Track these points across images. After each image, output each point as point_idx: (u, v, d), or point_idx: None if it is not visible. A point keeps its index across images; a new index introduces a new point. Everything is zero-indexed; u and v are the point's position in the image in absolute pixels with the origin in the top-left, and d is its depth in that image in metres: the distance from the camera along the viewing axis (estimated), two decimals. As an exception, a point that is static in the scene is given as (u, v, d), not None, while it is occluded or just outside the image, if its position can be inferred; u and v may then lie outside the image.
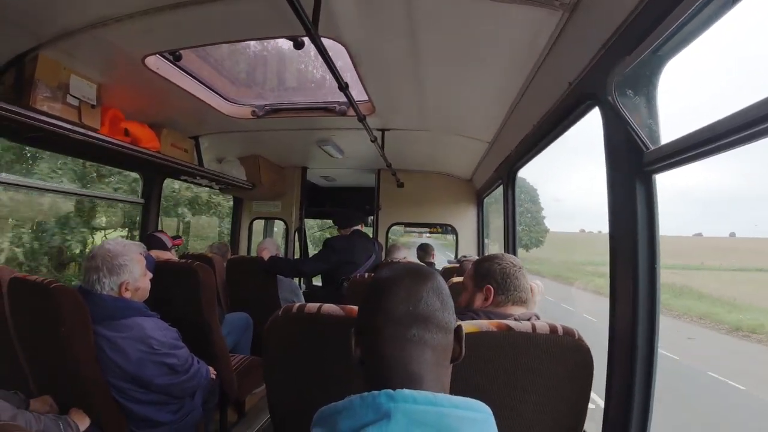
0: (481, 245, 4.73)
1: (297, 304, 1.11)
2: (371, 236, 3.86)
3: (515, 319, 1.17)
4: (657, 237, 1.21)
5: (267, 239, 4.17)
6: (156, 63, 2.22)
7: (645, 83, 1.26)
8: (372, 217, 4.98)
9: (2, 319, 1.86)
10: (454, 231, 4.87)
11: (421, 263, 0.93)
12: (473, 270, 1.56)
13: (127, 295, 1.82)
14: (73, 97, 2.20)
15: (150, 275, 1.96)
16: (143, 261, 1.92)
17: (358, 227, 3.73)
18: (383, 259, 3.90)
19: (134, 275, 1.84)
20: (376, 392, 0.67)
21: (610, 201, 1.35)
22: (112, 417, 1.76)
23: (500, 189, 3.33)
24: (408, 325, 0.73)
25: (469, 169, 4.32)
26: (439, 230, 5.02)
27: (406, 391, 0.66)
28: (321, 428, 0.69)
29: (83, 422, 1.68)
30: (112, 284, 1.78)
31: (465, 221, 4.83)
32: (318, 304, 1.09)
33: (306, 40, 1.75)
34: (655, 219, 1.21)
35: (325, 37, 1.63)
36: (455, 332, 0.79)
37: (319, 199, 5.78)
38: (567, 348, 1.00)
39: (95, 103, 2.34)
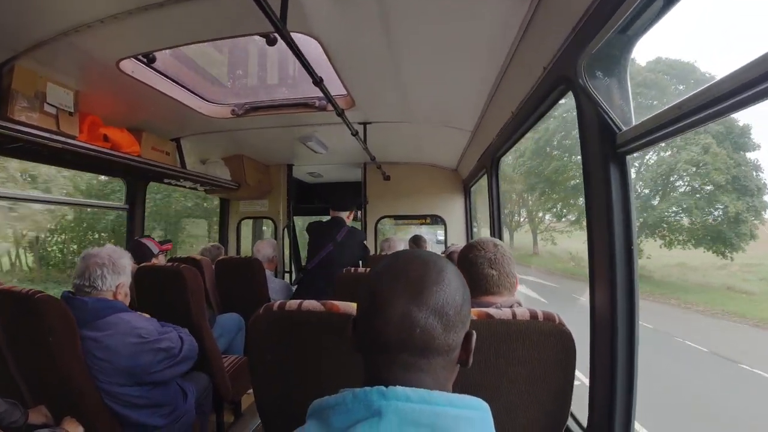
0: (469, 234, 4.75)
1: (278, 302, 1.11)
2: (356, 229, 3.77)
3: (497, 307, 1.17)
4: (632, 217, 1.22)
5: (263, 240, 4.15)
6: (131, 66, 2.20)
7: (615, 64, 1.27)
8: (360, 212, 4.97)
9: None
10: (442, 221, 4.88)
11: (435, 254, 0.83)
12: (458, 259, 1.57)
13: (120, 297, 1.87)
14: (51, 105, 2.18)
15: None
16: (130, 275, 1.99)
17: (344, 215, 3.66)
18: (377, 253, 3.89)
19: (128, 280, 1.93)
20: (368, 388, 0.65)
21: (585, 183, 1.36)
22: (105, 424, 1.77)
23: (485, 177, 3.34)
24: (399, 352, 0.67)
25: (454, 159, 4.32)
26: (428, 221, 5.02)
27: (399, 388, 0.63)
28: (314, 422, 0.68)
29: (76, 431, 1.69)
30: (113, 282, 1.84)
31: (453, 211, 4.83)
32: (299, 301, 1.08)
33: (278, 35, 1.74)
34: (629, 199, 1.22)
35: (295, 32, 1.61)
36: (464, 342, 0.73)
37: (307, 196, 5.76)
38: (549, 333, 1.00)
39: (73, 111, 2.31)
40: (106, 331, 1.76)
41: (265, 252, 3.86)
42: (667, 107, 1.01)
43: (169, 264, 2.59)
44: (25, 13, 1.64)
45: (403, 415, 0.62)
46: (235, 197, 4.91)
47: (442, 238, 5.24)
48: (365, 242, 3.89)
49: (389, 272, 0.72)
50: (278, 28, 1.38)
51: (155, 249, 3.00)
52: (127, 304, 1.94)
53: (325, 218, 3.67)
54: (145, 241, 3.03)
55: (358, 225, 5.07)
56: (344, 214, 3.63)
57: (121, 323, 1.79)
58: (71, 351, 1.68)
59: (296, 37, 1.58)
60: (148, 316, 1.97)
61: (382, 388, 0.64)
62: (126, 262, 1.91)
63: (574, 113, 1.41)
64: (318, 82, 1.88)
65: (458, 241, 4.48)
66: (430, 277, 0.70)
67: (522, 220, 29.58)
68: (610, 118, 1.21)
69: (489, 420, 0.68)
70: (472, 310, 1.03)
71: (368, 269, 1.90)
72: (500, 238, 3.02)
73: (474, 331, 0.74)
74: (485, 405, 0.69)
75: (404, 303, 0.67)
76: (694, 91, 0.91)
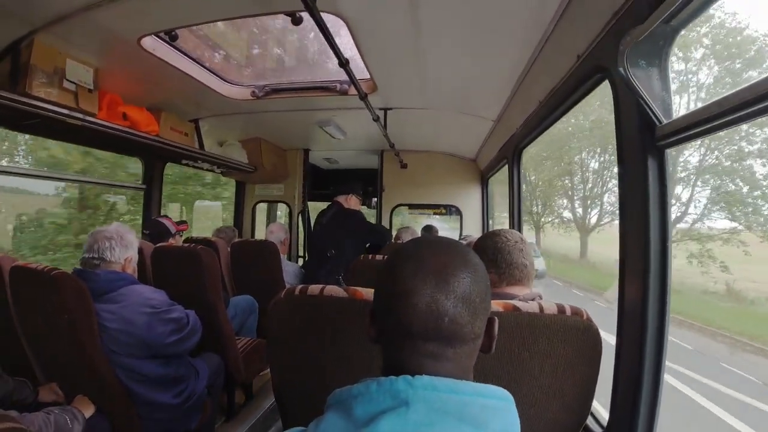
0: (485, 226, 4.70)
1: (299, 286, 1.10)
2: (369, 220, 3.69)
3: (521, 300, 1.14)
4: (668, 213, 1.18)
5: (275, 223, 4.17)
6: (152, 44, 2.18)
7: (657, 54, 1.21)
8: (376, 199, 4.95)
9: (5, 307, 1.87)
10: (458, 212, 4.84)
11: (456, 240, 0.80)
12: (473, 247, 1.54)
13: (129, 270, 1.92)
14: (70, 81, 2.17)
15: None
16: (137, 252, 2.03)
17: (342, 200, 3.61)
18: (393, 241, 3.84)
19: (136, 256, 1.97)
20: (393, 377, 0.63)
21: (620, 176, 1.31)
22: (118, 402, 1.79)
23: (505, 168, 3.28)
24: (426, 340, 0.65)
25: (473, 149, 4.26)
26: (444, 211, 4.98)
27: (425, 377, 0.62)
28: (336, 412, 0.66)
29: (88, 410, 1.72)
30: (121, 255, 1.88)
31: (469, 202, 4.79)
32: (321, 286, 1.07)
33: (304, 15, 1.70)
34: (666, 194, 1.17)
35: (324, 11, 1.57)
36: (487, 328, 0.70)
37: (322, 182, 5.75)
38: (576, 328, 0.97)
39: (92, 88, 2.31)
40: (120, 303, 1.79)
41: (278, 235, 3.89)
42: (710, 101, 0.96)
43: (186, 245, 2.60)
44: None
45: (430, 404, 0.60)
46: (251, 180, 4.93)
47: (448, 227, 5.21)
48: (377, 228, 3.81)
49: (412, 259, 0.69)
50: (308, 6, 1.34)
51: (173, 229, 3.02)
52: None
53: None
54: (163, 220, 3.05)
55: (372, 212, 5.06)
56: (342, 198, 3.61)
57: (133, 294, 1.83)
58: (87, 327, 1.69)
59: (324, 16, 1.54)
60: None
61: (408, 377, 0.62)
62: (132, 237, 1.95)
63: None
64: (344, 63, 1.85)
65: (474, 233, 4.44)
66: (456, 263, 0.67)
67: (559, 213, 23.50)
68: (651, 110, 1.16)
69: (513, 410, 0.67)
70: (498, 301, 1.01)
71: (384, 256, 1.87)
72: (520, 231, 2.98)
73: (496, 317, 0.72)
74: (510, 395, 0.67)
75: (431, 291, 0.64)
76: (739, 87, 0.87)
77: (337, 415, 0.65)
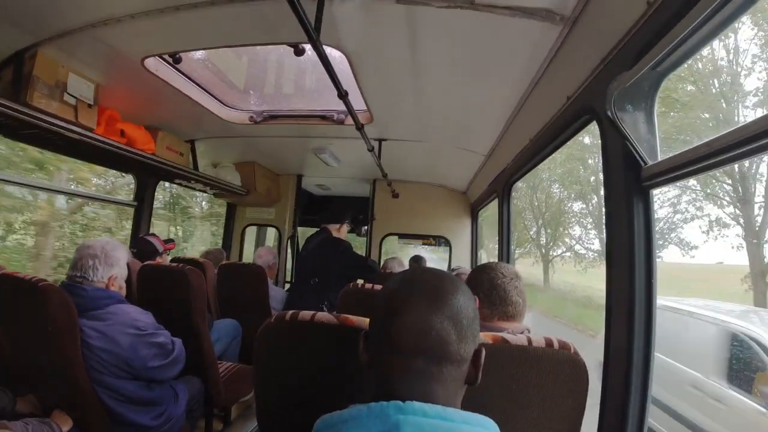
0: (474, 258, 4.72)
1: (290, 312, 1.09)
2: (357, 251, 3.59)
3: (509, 333, 1.15)
4: (653, 252, 1.21)
5: (264, 247, 4.16)
6: (155, 65, 2.22)
7: (643, 98, 1.27)
8: (366, 227, 4.96)
9: (-12, 316, 1.83)
10: (447, 243, 4.86)
11: (447, 272, 0.85)
12: (467, 279, 1.55)
13: (113, 288, 1.87)
14: (71, 95, 2.20)
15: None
16: (126, 267, 1.99)
17: (333, 228, 3.51)
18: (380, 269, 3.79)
19: (122, 273, 1.92)
20: (384, 402, 0.64)
21: (607, 215, 1.35)
22: (96, 419, 1.74)
23: (495, 202, 3.33)
24: (414, 355, 0.68)
25: (464, 182, 4.33)
26: (433, 242, 5.00)
27: (416, 403, 0.64)
28: None
29: (66, 424, 1.68)
30: (104, 274, 1.84)
31: (459, 233, 4.82)
32: (312, 312, 1.07)
33: (306, 46, 1.76)
34: (651, 233, 1.21)
35: (326, 44, 1.63)
36: (473, 357, 0.74)
37: (314, 208, 5.76)
38: (563, 362, 0.98)
39: (92, 103, 2.34)
40: (106, 321, 1.76)
41: (266, 259, 3.86)
42: (696, 144, 1.01)
43: (174, 264, 2.58)
44: (53, 0, 1.65)
45: (419, 429, 0.61)
46: (243, 203, 4.92)
47: (436, 257, 5.21)
48: (365, 263, 3.64)
49: (406, 282, 0.75)
50: (312, 39, 1.39)
51: (160, 247, 3.00)
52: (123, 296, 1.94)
53: None
54: (150, 239, 3.03)
55: (362, 241, 5.05)
56: (333, 227, 3.52)
57: (120, 313, 1.80)
58: (71, 340, 1.66)
59: (326, 49, 1.60)
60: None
61: (399, 402, 0.64)
62: (120, 254, 1.91)
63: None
64: (343, 95, 1.89)
65: (463, 264, 4.45)
66: (445, 287, 0.73)
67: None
68: (637, 151, 1.21)
69: None
70: (487, 333, 1.02)
71: (372, 285, 1.87)
72: (509, 263, 3.00)
73: (483, 348, 0.75)
74: (495, 425, 0.70)
75: (421, 308, 0.69)
76: (726, 131, 0.92)
77: None
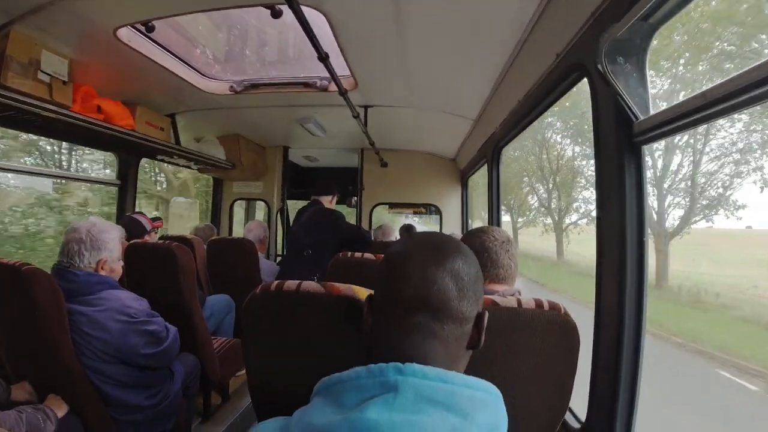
0: (464, 225, 4.73)
1: (275, 282, 1.07)
2: (349, 219, 3.60)
3: (500, 295, 1.14)
4: (644, 209, 1.19)
5: (253, 221, 4.12)
6: (128, 35, 2.12)
7: (635, 52, 1.23)
8: (356, 198, 4.93)
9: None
10: (438, 211, 4.86)
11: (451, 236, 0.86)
12: None
13: (103, 273, 1.82)
14: (44, 73, 2.12)
15: (122, 263, 1.96)
16: (120, 247, 1.93)
17: (325, 200, 3.50)
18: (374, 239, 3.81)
19: (113, 255, 1.86)
20: (383, 364, 0.63)
21: (597, 173, 1.33)
22: (90, 402, 1.73)
23: (484, 168, 3.30)
24: (415, 310, 0.68)
25: (453, 148, 4.29)
26: (423, 210, 4.99)
27: (416, 365, 0.63)
28: (323, 398, 0.66)
29: (61, 409, 1.67)
30: (92, 259, 1.78)
31: (449, 201, 4.81)
32: (297, 282, 1.04)
33: (283, 8, 1.67)
34: (643, 191, 1.19)
35: (304, 5, 1.55)
36: (476, 320, 0.73)
37: (302, 180, 5.70)
38: (553, 323, 0.97)
39: (66, 80, 2.25)
40: (97, 307, 1.72)
41: (257, 233, 3.84)
42: (690, 96, 0.97)
43: (161, 242, 2.53)
44: None
45: (419, 391, 0.61)
46: (229, 177, 4.84)
47: (426, 227, 5.22)
48: (358, 231, 3.65)
49: (410, 241, 0.76)
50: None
51: (148, 226, 2.94)
52: (116, 279, 1.89)
53: None
54: (137, 217, 2.97)
55: (352, 211, 5.03)
56: (325, 199, 3.50)
57: (111, 299, 1.76)
58: (58, 325, 1.63)
59: (304, 10, 1.52)
60: (137, 295, 1.92)
61: (399, 364, 0.63)
62: (108, 236, 1.83)
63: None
64: (324, 58, 1.83)
65: (455, 231, 4.47)
66: (448, 246, 0.74)
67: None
68: (628, 106, 1.17)
69: (502, 406, 0.68)
70: None
71: (362, 255, 1.85)
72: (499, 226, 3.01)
73: (486, 312, 0.75)
74: (498, 392, 0.69)
75: (423, 261, 0.70)
76: (721, 80, 0.89)
77: (324, 402, 0.65)
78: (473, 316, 0.73)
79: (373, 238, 3.81)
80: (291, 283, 1.03)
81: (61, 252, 1.79)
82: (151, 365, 1.89)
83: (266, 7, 1.74)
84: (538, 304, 0.98)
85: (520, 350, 0.98)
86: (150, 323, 1.85)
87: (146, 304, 1.90)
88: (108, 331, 1.71)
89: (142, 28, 2.09)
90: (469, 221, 4.84)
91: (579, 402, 1.33)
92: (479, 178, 4.25)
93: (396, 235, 4.04)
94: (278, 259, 5.05)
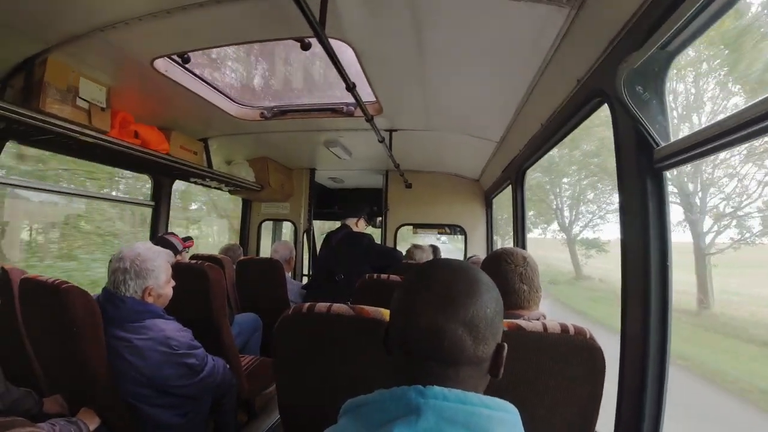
0: (489, 245, 4.70)
1: (307, 304, 1.11)
2: (373, 242, 3.57)
3: (525, 319, 1.16)
4: (668, 234, 1.20)
5: (280, 242, 4.20)
6: (165, 65, 2.25)
7: (653, 79, 1.25)
8: (380, 218, 4.97)
9: (14, 318, 1.89)
10: (463, 231, 4.85)
11: (469, 264, 0.82)
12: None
13: (150, 300, 1.83)
14: (83, 99, 2.22)
15: (173, 283, 1.97)
16: (170, 269, 1.94)
17: (352, 222, 3.55)
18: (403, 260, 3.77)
19: (159, 282, 1.86)
20: (406, 387, 0.66)
21: (621, 199, 1.34)
22: (121, 417, 1.77)
23: (509, 189, 3.31)
24: (426, 359, 0.67)
25: (477, 170, 4.30)
26: (448, 231, 4.99)
27: (436, 387, 0.64)
28: (349, 419, 0.69)
29: (93, 422, 1.69)
30: (137, 287, 1.79)
31: (474, 221, 4.80)
32: (328, 304, 1.09)
33: (312, 40, 1.76)
34: (665, 215, 1.20)
35: (331, 37, 1.63)
36: (494, 355, 0.72)
37: (328, 201, 5.79)
38: (579, 348, 0.98)
39: (105, 106, 2.36)
40: (140, 335, 1.74)
41: (283, 253, 3.90)
42: (708, 124, 0.99)
43: (193, 262, 2.62)
44: (59, 6, 1.67)
45: (440, 413, 0.62)
46: (258, 198, 4.97)
47: (453, 247, 5.19)
48: (389, 251, 3.70)
49: (421, 281, 0.72)
50: (317, 33, 1.40)
51: (179, 246, 3.05)
52: (164, 305, 1.91)
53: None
54: (169, 237, 3.08)
55: (377, 232, 5.07)
56: (351, 221, 3.57)
57: (156, 329, 1.76)
58: (93, 343, 1.68)
59: (331, 41, 1.60)
60: (182, 326, 1.92)
61: (420, 387, 0.65)
62: (153, 264, 1.83)
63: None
64: (351, 87, 1.90)
65: (479, 252, 4.45)
66: (461, 288, 0.69)
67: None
68: (649, 133, 1.19)
69: (519, 424, 0.69)
70: (503, 321, 1.02)
71: (388, 276, 1.89)
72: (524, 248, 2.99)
73: (505, 344, 0.74)
74: (516, 410, 0.70)
75: (433, 313, 0.67)
76: (738, 110, 0.90)
77: (350, 422, 0.68)
78: (491, 352, 0.71)
79: (413, 260, 3.73)
80: (322, 306, 1.08)
81: (108, 278, 1.82)
82: (180, 393, 1.89)
83: (296, 40, 1.83)
84: (564, 328, 0.99)
85: (546, 374, 0.99)
86: (189, 356, 1.84)
87: (189, 335, 1.90)
88: (146, 359, 1.73)
89: (179, 59, 2.19)
90: (496, 239, 4.81)
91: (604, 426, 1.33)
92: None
93: (426, 256, 4.00)
94: (304, 279, 5.11)
